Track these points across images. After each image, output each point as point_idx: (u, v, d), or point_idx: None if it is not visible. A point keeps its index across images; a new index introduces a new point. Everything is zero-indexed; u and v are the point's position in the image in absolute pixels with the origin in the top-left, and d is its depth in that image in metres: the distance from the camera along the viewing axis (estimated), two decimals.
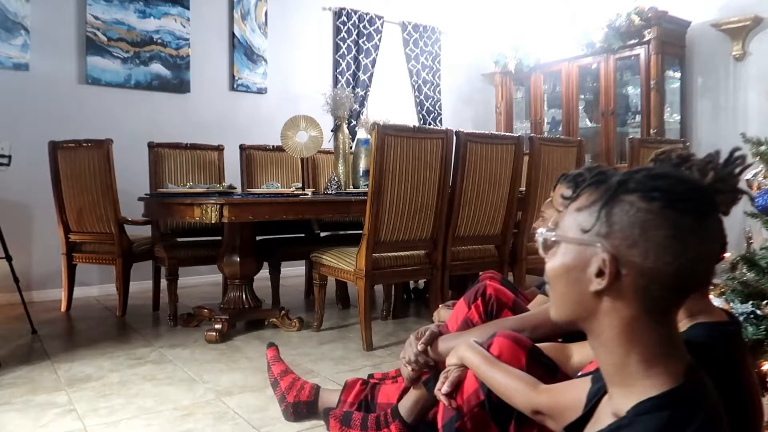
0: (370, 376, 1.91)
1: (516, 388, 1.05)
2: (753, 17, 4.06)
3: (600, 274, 0.70)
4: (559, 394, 0.97)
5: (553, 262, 0.76)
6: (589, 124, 5.02)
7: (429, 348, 1.47)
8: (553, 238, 0.76)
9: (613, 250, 0.69)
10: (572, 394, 0.93)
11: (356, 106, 5.13)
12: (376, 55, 5.38)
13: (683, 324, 0.98)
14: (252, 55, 4.78)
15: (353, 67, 5.26)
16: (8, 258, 2.90)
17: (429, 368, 1.50)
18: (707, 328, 0.95)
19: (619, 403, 0.72)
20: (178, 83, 4.43)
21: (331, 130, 3.56)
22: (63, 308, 3.53)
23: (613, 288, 0.70)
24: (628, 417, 0.69)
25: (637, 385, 0.70)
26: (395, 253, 2.85)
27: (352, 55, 5.25)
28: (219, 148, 3.89)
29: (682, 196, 0.69)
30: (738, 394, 0.93)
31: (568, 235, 0.74)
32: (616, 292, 0.70)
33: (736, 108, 4.26)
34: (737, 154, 0.82)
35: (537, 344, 1.20)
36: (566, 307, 0.76)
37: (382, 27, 5.40)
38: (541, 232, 0.78)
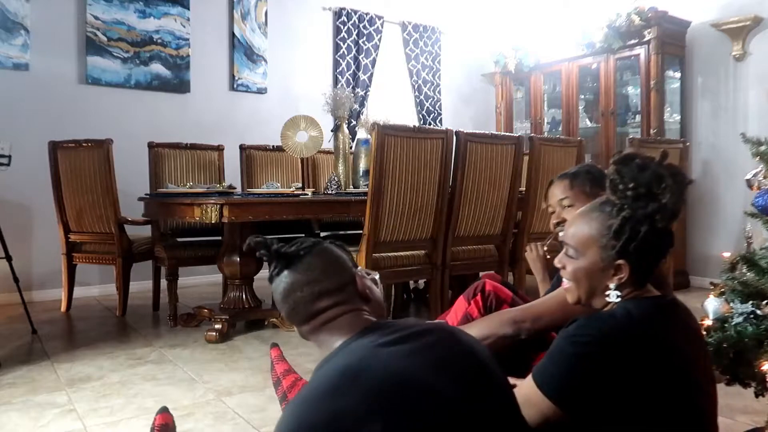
0: None
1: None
2: (753, 17, 4.06)
3: None
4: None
5: None
6: (589, 124, 5.02)
7: None
8: None
9: None
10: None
11: (356, 106, 5.13)
12: (376, 55, 5.38)
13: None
14: (252, 55, 4.78)
15: (353, 67, 5.26)
16: (8, 258, 2.90)
17: None
18: (632, 303, 1.04)
19: None
20: (178, 83, 4.43)
21: (331, 130, 3.56)
22: (63, 308, 3.53)
23: None
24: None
25: None
26: (395, 253, 2.85)
27: (352, 55, 5.25)
28: (219, 148, 3.89)
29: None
30: (660, 362, 0.99)
31: None
32: None
33: (736, 108, 4.26)
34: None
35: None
36: None
37: (382, 27, 5.40)
38: None
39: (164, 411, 1.72)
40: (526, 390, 1.02)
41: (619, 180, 1.03)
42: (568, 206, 1.54)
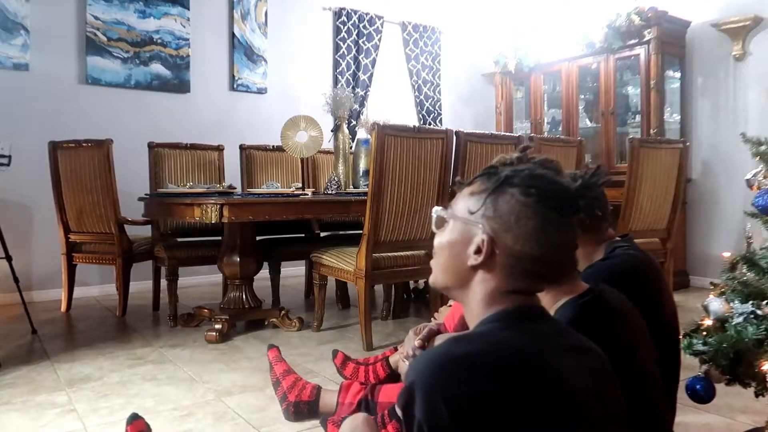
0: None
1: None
2: (753, 17, 4.06)
3: (478, 251, 0.84)
4: None
5: (441, 237, 0.91)
6: (589, 124, 5.02)
7: (427, 344, 1.49)
8: (444, 216, 0.90)
9: (491, 231, 0.84)
10: None
11: (356, 106, 5.13)
12: (376, 55, 5.38)
13: (554, 306, 1.11)
14: (252, 55, 4.78)
15: (353, 67, 5.26)
16: (8, 258, 2.90)
17: None
18: (569, 306, 1.07)
19: None
20: (178, 83, 4.43)
21: (331, 130, 3.56)
22: (63, 308, 3.53)
23: (486, 264, 0.84)
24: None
25: None
26: (395, 253, 2.85)
27: (352, 55, 5.25)
28: (219, 148, 3.89)
29: (551, 195, 0.84)
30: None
31: (458, 214, 0.88)
32: (488, 267, 0.84)
33: (736, 108, 4.26)
34: (599, 169, 1.07)
35: None
36: (445, 276, 0.90)
37: (382, 27, 5.40)
38: (436, 210, 0.90)
39: (136, 418, 1.67)
40: None
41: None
42: None
